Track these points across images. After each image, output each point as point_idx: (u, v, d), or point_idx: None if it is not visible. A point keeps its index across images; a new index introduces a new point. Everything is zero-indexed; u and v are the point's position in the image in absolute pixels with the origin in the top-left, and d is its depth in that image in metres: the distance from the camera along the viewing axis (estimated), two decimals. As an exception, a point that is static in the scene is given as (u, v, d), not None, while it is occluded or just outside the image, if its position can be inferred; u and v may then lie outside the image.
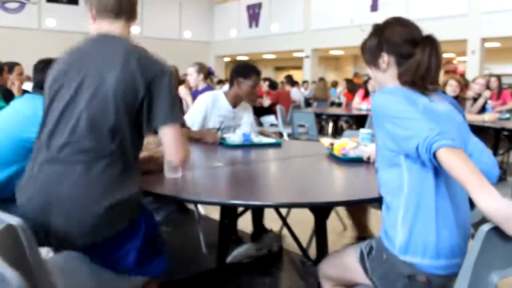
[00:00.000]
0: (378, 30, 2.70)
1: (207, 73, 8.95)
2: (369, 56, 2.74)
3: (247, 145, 4.74)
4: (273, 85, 16.11)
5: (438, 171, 2.34)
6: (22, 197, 2.64)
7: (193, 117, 5.37)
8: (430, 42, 2.54)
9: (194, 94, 7.90)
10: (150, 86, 2.67)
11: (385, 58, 2.63)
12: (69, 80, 2.70)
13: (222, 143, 4.90)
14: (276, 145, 4.93)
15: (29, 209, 2.56)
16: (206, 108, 5.34)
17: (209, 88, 8.21)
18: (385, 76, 2.67)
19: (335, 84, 23.32)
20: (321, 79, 18.80)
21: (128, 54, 2.70)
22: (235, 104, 5.48)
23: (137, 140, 2.79)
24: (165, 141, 2.77)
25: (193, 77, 8.13)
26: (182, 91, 7.90)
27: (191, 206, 6.83)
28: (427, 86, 2.53)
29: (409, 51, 2.55)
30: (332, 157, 4.18)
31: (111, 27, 2.90)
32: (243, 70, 5.36)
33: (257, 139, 4.91)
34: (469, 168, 2.05)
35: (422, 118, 2.26)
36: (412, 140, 2.21)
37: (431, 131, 2.16)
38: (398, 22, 2.66)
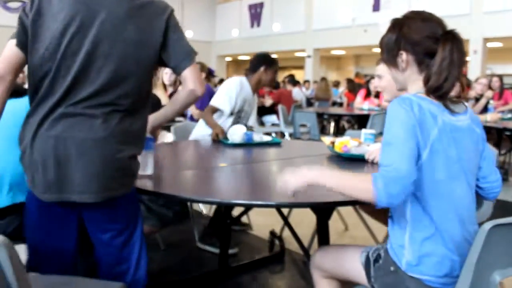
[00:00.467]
0: (396, 26, 2.51)
1: (208, 73, 8.94)
2: (387, 55, 2.58)
3: (247, 144, 4.74)
4: (275, 84, 16.10)
5: (431, 195, 2.34)
6: (31, 156, 2.52)
7: (228, 95, 5.59)
8: (451, 37, 2.37)
9: None
10: (166, 29, 2.70)
11: (403, 57, 2.48)
12: (80, 33, 2.52)
13: (223, 142, 4.90)
14: (276, 144, 4.95)
15: (43, 165, 2.49)
16: (237, 90, 5.58)
17: (208, 88, 8.20)
18: (404, 77, 2.53)
19: (337, 84, 23.30)
20: (323, 79, 18.79)
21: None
22: (254, 90, 5.80)
23: (149, 98, 2.83)
24: (192, 76, 2.81)
25: None
26: None
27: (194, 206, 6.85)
28: (450, 90, 2.37)
29: (430, 48, 2.40)
30: (334, 155, 4.18)
31: None
32: (269, 59, 5.75)
33: (257, 137, 4.91)
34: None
35: (406, 154, 2.22)
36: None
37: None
38: (418, 17, 2.47)
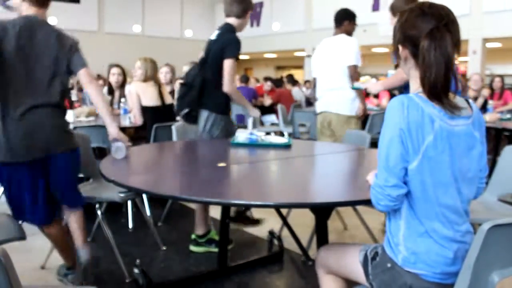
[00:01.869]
0: (399, 17, 2.48)
1: None
2: (393, 45, 2.55)
3: (253, 145, 4.71)
4: (277, 83, 16.06)
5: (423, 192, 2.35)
6: (11, 138, 3.82)
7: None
8: (436, 32, 2.31)
9: None
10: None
11: (400, 49, 2.47)
12: (26, 55, 3.91)
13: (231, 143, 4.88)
14: (286, 146, 4.84)
15: (20, 143, 3.84)
16: None
17: None
18: (406, 69, 2.52)
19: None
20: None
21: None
22: None
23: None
24: (85, 81, 4.16)
25: None
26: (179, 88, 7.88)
27: (190, 205, 6.84)
28: (443, 90, 2.32)
29: (418, 43, 2.35)
30: (331, 153, 4.17)
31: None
32: (349, 12, 7.18)
33: (265, 138, 4.84)
34: None
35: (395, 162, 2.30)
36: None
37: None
38: (418, 10, 2.40)
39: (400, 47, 2.46)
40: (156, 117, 6.67)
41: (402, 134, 2.26)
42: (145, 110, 6.77)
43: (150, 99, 6.79)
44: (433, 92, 2.31)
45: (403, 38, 2.43)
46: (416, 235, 2.38)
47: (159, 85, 7.07)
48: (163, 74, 8.19)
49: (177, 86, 7.99)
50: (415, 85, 2.45)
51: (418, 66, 2.37)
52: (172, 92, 8.03)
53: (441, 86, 2.30)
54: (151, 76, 6.94)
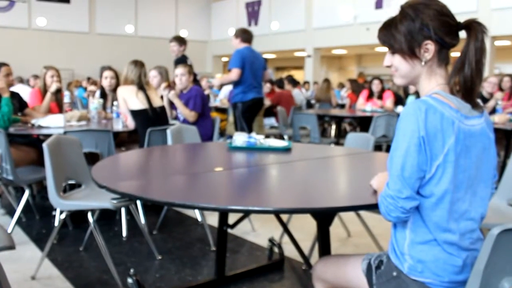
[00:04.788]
0: (413, 13, 2.46)
1: (194, 76, 9.01)
2: (407, 44, 2.48)
3: (251, 148, 4.70)
4: (279, 84, 16.04)
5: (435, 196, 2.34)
6: None
7: None
8: (478, 25, 2.40)
9: (182, 97, 7.88)
10: None
11: (429, 47, 2.44)
12: None
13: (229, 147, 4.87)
14: (286, 149, 4.79)
15: None
16: None
17: (199, 89, 8.22)
18: (423, 69, 2.49)
19: (340, 85, 23.27)
20: (326, 80, 18.73)
21: None
22: None
23: None
24: None
25: (185, 78, 8.04)
26: (170, 93, 7.85)
27: (186, 212, 6.84)
28: (479, 86, 2.40)
29: (452, 38, 2.44)
30: (333, 157, 4.17)
31: None
32: None
33: (264, 141, 4.82)
34: None
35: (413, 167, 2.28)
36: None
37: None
38: (433, 5, 2.44)
39: (429, 43, 2.42)
40: (147, 120, 6.66)
41: (421, 142, 2.25)
42: (133, 114, 6.76)
43: (136, 102, 6.76)
44: (468, 87, 2.36)
45: (431, 33, 2.40)
46: (424, 243, 2.36)
47: (144, 87, 7.02)
48: (150, 78, 8.19)
49: (161, 89, 8.00)
50: (430, 85, 2.46)
51: (443, 61, 2.45)
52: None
53: (477, 80, 2.36)
54: (135, 79, 6.90)
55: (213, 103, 14.60)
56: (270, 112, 13.87)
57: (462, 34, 2.43)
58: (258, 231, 6.21)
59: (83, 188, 5.10)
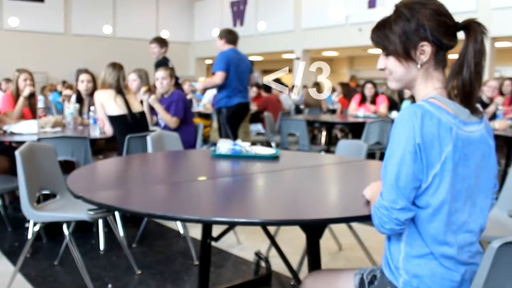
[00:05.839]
0: (408, 13, 2.45)
1: (176, 80, 9.01)
2: (403, 46, 2.48)
3: (237, 156, 4.70)
4: (266, 88, 16.04)
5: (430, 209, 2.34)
6: None
7: None
8: (477, 26, 2.42)
9: (163, 102, 7.88)
10: None
11: (425, 48, 2.44)
12: None
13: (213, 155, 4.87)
14: (274, 158, 4.82)
15: None
16: None
17: (181, 93, 8.23)
18: (418, 73, 2.48)
19: (331, 89, 23.28)
20: (316, 84, 18.72)
21: None
22: None
23: None
24: None
25: (166, 82, 8.02)
26: (150, 98, 7.85)
27: (168, 224, 6.83)
28: (478, 90, 2.42)
29: (450, 39, 2.45)
30: (324, 165, 4.17)
31: None
32: None
33: (250, 149, 4.81)
34: None
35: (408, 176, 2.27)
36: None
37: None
38: (429, 4, 2.44)
39: (425, 45, 2.42)
40: (126, 127, 6.65)
41: (417, 150, 2.24)
42: (111, 120, 6.74)
43: (114, 107, 6.74)
44: (467, 92, 2.37)
45: (428, 34, 2.40)
46: (420, 257, 2.36)
47: (123, 92, 7.00)
48: (130, 82, 8.17)
49: (141, 93, 7.99)
50: (427, 89, 2.47)
51: (440, 63, 2.45)
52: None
53: (476, 84, 2.37)
54: (113, 82, 6.88)
55: (196, 108, 14.54)
56: (257, 117, 13.86)
57: (461, 35, 2.43)
58: (244, 244, 6.20)
59: (58, 198, 5.09)
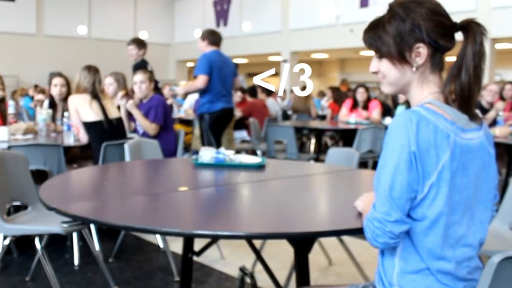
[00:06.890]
0: (403, 13, 2.45)
1: (155, 84, 9.01)
2: (397, 47, 2.47)
3: (220, 165, 4.70)
4: (252, 92, 16.02)
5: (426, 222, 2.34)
6: None
7: None
8: (477, 26, 2.42)
9: (142, 107, 7.87)
10: None
11: (421, 50, 2.44)
12: None
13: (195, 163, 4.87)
14: (260, 167, 4.81)
15: None
16: None
17: (160, 98, 8.23)
18: (414, 76, 2.50)
19: (320, 94, 23.28)
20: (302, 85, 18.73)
21: None
22: None
23: None
24: None
25: (145, 86, 8.01)
26: (128, 103, 7.84)
27: (147, 237, 6.82)
28: (477, 94, 2.41)
29: (448, 40, 2.45)
30: (315, 175, 4.17)
31: None
32: None
33: (234, 157, 4.82)
34: None
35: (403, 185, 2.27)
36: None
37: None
38: (424, 4, 2.44)
39: (421, 47, 2.42)
40: (102, 134, 6.63)
41: (412, 158, 2.24)
42: (86, 127, 6.73)
43: (89, 113, 6.72)
44: (465, 96, 2.37)
45: (425, 35, 2.40)
46: (415, 272, 2.36)
47: (99, 96, 6.99)
48: (106, 86, 8.15)
49: (118, 98, 7.99)
50: (422, 94, 2.47)
51: (436, 66, 2.46)
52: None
53: (475, 88, 2.37)
54: (89, 86, 6.87)
55: (177, 114, 14.52)
56: (241, 124, 13.86)
57: (459, 36, 2.44)
58: (228, 259, 6.20)
59: (29, 210, 5.07)
